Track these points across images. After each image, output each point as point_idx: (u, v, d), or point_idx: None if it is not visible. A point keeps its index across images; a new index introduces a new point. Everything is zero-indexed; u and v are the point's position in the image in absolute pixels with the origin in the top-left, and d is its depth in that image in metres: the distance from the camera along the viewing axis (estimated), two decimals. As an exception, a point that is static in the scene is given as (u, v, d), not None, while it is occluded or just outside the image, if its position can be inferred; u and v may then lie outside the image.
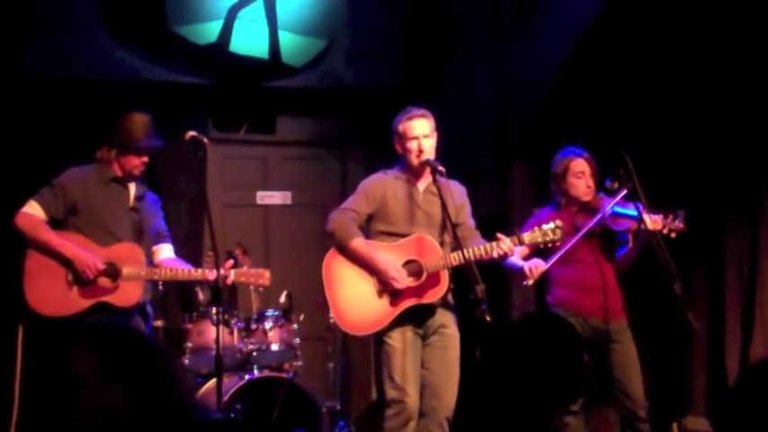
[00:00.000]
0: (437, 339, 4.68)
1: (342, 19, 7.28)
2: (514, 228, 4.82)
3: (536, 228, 4.61)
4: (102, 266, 4.58)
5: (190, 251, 6.49)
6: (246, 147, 7.63)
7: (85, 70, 6.75)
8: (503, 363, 5.10)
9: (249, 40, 6.97)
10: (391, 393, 4.60)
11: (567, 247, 4.88)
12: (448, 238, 4.68)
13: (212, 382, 5.32)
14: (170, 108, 6.51)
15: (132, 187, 4.84)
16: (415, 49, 7.45)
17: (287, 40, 7.07)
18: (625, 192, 4.88)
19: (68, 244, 4.59)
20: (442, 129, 4.74)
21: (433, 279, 4.60)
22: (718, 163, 6.17)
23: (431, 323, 4.68)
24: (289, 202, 7.66)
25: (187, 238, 6.87)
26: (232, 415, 5.15)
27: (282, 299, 6.04)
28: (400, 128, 4.68)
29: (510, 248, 4.54)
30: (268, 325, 5.87)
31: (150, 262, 4.77)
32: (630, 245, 5.11)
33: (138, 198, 4.86)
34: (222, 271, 4.60)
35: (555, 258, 4.86)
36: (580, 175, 5.13)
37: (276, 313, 5.97)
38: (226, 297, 5.52)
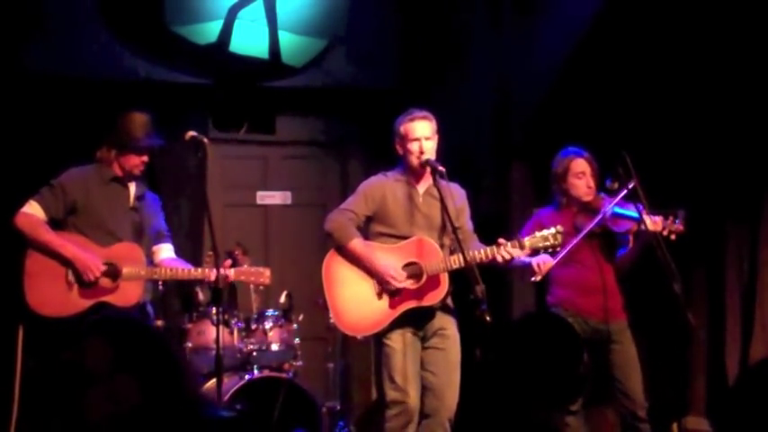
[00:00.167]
0: (438, 341, 4.68)
1: (342, 19, 7.27)
2: (514, 228, 4.83)
3: (536, 233, 4.61)
4: (103, 268, 4.58)
5: (190, 251, 6.49)
6: (246, 147, 7.62)
7: (85, 70, 6.75)
8: (503, 363, 5.10)
9: (249, 40, 6.97)
10: (392, 394, 4.60)
11: (570, 247, 4.89)
12: (447, 241, 4.68)
13: (212, 382, 5.32)
14: (170, 108, 6.50)
15: (132, 187, 4.84)
16: (414, 49, 7.45)
17: (287, 40, 7.07)
18: (625, 192, 4.88)
19: (68, 244, 4.59)
20: (441, 129, 4.74)
21: (433, 282, 4.59)
22: (718, 163, 6.17)
23: (430, 326, 4.68)
24: (289, 202, 7.66)
25: (187, 238, 6.87)
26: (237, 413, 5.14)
27: (282, 299, 6.04)
28: (402, 129, 4.68)
29: (511, 254, 4.54)
30: (268, 325, 5.87)
31: (150, 262, 4.78)
32: (631, 245, 5.12)
33: (139, 198, 4.86)
34: (222, 270, 4.60)
35: (561, 255, 4.85)
36: (581, 176, 5.13)
37: (276, 313, 5.97)
38: (226, 297, 5.53)
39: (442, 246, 4.65)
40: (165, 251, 4.87)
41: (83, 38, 6.74)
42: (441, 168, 4.57)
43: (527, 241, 4.58)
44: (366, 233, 4.74)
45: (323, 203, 7.11)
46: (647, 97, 6.08)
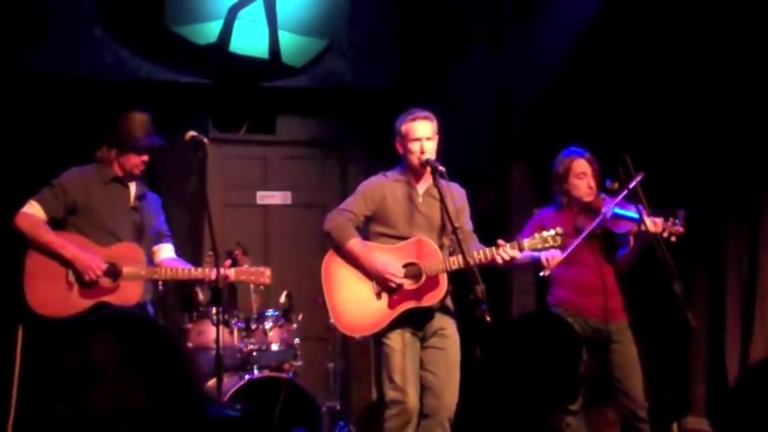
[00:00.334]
0: (437, 341, 4.68)
1: (342, 19, 7.28)
2: (514, 228, 4.83)
3: (536, 234, 4.61)
4: (103, 268, 4.58)
5: (190, 251, 6.50)
6: (246, 147, 7.63)
7: (85, 70, 6.75)
8: (503, 363, 5.10)
9: (249, 40, 6.97)
10: (391, 394, 4.60)
11: (572, 247, 4.89)
12: (447, 241, 4.68)
13: (212, 381, 5.32)
14: (170, 108, 6.50)
15: (133, 187, 4.84)
16: (414, 49, 7.45)
17: (287, 40, 7.07)
18: (626, 192, 4.88)
19: (69, 245, 4.59)
20: (441, 129, 4.73)
21: (432, 282, 4.59)
22: (718, 163, 6.17)
23: (430, 326, 4.68)
24: (289, 202, 7.66)
25: (187, 238, 6.87)
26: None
27: (282, 299, 6.04)
28: (403, 128, 4.68)
29: (510, 255, 4.54)
30: (268, 325, 5.88)
31: (151, 261, 4.78)
32: (631, 245, 5.12)
33: (139, 197, 4.86)
34: (222, 270, 4.60)
35: (568, 252, 4.86)
36: (582, 176, 5.13)
37: (276, 313, 5.97)
38: (226, 297, 5.53)
39: (441, 246, 4.65)
40: (166, 251, 4.87)
41: (83, 38, 6.75)
42: (441, 168, 4.56)
43: (526, 243, 4.58)
44: (366, 233, 4.74)
45: (323, 203, 7.11)
46: (647, 97, 6.08)
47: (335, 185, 7.58)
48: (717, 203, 6.20)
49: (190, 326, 5.88)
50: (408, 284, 4.59)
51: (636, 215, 4.87)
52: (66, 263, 4.57)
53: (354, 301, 4.63)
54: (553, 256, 4.81)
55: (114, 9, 6.84)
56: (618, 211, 5.02)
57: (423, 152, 4.61)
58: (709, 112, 6.06)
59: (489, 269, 4.60)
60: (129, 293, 4.62)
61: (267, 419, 5.53)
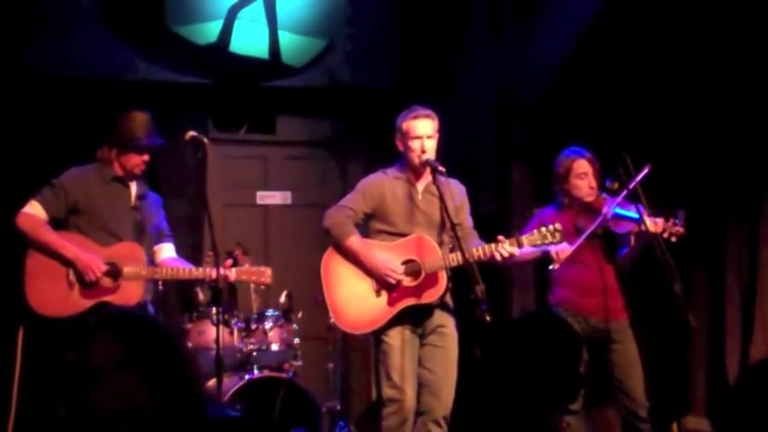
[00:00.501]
0: (435, 339, 4.68)
1: (342, 19, 7.29)
2: (514, 228, 4.83)
3: (535, 230, 4.61)
4: (104, 267, 4.58)
5: (190, 251, 6.49)
6: (246, 147, 7.63)
7: (85, 70, 6.75)
8: (503, 362, 5.11)
9: (249, 40, 6.98)
10: (388, 392, 4.60)
11: (575, 247, 4.89)
12: (447, 239, 4.68)
13: (212, 382, 5.32)
14: (170, 108, 6.50)
15: (133, 186, 4.84)
16: (414, 49, 7.45)
17: (287, 40, 7.07)
18: (626, 192, 4.89)
19: (69, 245, 4.59)
20: (442, 129, 4.74)
21: (432, 279, 4.59)
22: (718, 163, 6.17)
23: (429, 323, 4.68)
24: (289, 202, 7.66)
25: (187, 238, 6.87)
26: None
27: (282, 299, 6.05)
28: (404, 126, 4.68)
29: (510, 252, 4.54)
30: (268, 325, 5.88)
31: (151, 261, 4.78)
32: (631, 245, 5.12)
33: (140, 197, 4.86)
34: (223, 270, 4.60)
35: (574, 247, 4.86)
36: (583, 176, 5.14)
37: (276, 313, 5.97)
38: (226, 297, 5.53)
39: (441, 243, 4.65)
40: (166, 251, 4.87)
41: (83, 38, 6.75)
42: (441, 168, 4.57)
43: (525, 239, 4.58)
44: (366, 231, 4.74)
45: (323, 203, 7.07)
46: (647, 97, 6.08)
47: (335, 185, 7.57)
48: (717, 203, 6.20)
49: (190, 326, 5.88)
50: (408, 281, 4.59)
51: (636, 215, 4.87)
52: (67, 263, 4.57)
53: (354, 298, 4.63)
54: (563, 250, 4.80)
55: (114, 9, 6.84)
56: (618, 211, 5.03)
57: (423, 150, 4.62)
58: (709, 113, 6.06)
59: (490, 268, 4.61)
60: (130, 293, 4.62)
61: (267, 419, 5.53)
